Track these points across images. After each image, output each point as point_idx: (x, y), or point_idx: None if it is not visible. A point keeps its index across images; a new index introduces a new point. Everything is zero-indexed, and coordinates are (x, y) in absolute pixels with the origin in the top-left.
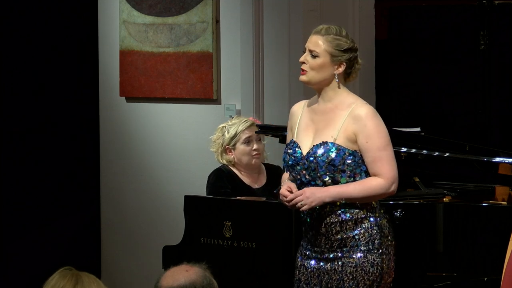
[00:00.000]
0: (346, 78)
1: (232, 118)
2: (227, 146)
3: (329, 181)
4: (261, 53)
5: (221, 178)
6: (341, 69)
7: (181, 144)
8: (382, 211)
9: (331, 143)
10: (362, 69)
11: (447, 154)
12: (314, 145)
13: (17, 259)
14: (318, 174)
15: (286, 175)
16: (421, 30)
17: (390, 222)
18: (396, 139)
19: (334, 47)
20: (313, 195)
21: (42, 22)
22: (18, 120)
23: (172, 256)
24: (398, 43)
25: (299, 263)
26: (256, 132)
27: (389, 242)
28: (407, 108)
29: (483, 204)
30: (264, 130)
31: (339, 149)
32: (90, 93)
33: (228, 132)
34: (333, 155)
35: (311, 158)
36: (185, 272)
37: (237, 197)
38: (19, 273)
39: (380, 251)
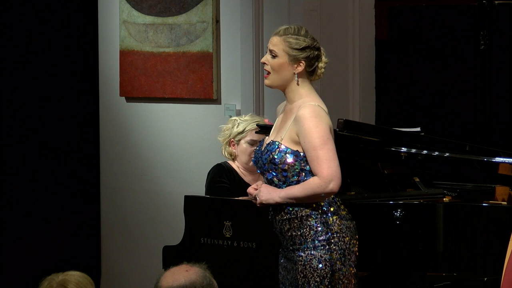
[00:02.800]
0: (309, 78)
1: (245, 115)
2: (231, 139)
3: (275, 179)
4: (261, 53)
5: (220, 173)
6: (300, 68)
7: (181, 144)
8: (332, 208)
9: (277, 142)
10: (362, 69)
11: (447, 154)
12: (266, 144)
13: (17, 259)
14: (265, 172)
15: None
16: (421, 30)
17: (344, 219)
18: (396, 139)
19: (290, 46)
20: (266, 192)
21: (42, 22)
22: (18, 120)
23: (172, 256)
24: (398, 43)
25: (279, 262)
26: (256, 132)
27: (338, 238)
28: (407, 108)
29: (483, 204)
30: (264, 130)
31: (280, 148)
32: (90, 93)
33: (237, 127)
34: (274, 154)
35: (260, 157)
36: (185, 272)
37: (237, 197)
38: (19, 273)
39: (328, 247)
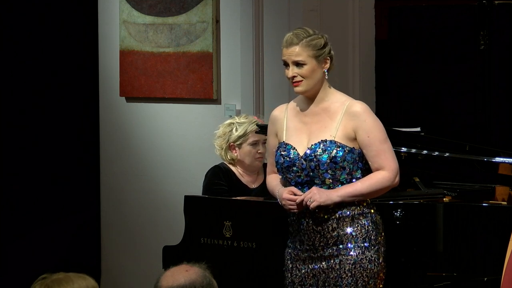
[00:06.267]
0: (328, 71)
1: (238, 116)
2: (232, 144)
3: (330, 179)
4: (261, 53)
5: (218, 175)
6: (327, 65)
7: (181, 144)
8: (375, 207)
9: (330, 141)
10: (362, 69)
11: (447, 154)
12: (313, 144)
13: (17, 259)
14: (319, 173)
15: (273, 180)
16: (421, 30)
17: (382, 219)
18: (396, 139)
19: (313, 49)
20: (322, 194)
21: (42, 22)
22: (18, 120)
23: (172, 256)
24: (398, 43)
25: (290, 266)
26: (256, 132)
27: (382, 238)
28: (407, 108)
29: (483, 204)
30: (264, 130)
31: (339, 146)
32: (90, 93)
33: (236, 130)
34: (334, 152)
35: (311, 157)
36: (185, 272)
37: (237, 197)
38: (19, 273)
39: (377, 247)
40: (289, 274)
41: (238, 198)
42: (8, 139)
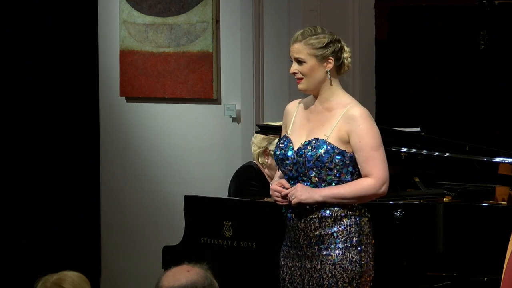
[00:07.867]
0: (338, 72)
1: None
2: (268, 151)
3: (316, 178)
4: (261, 53)
5: (252, 175)
6: (330, 65)
7: (181, 144)
8: (363, 210)
9: (322, 140)
10: (362, 69)
11: (447, 154)
12: (305, 141)
13: (17, 259)
14: (305, 170)
15: (276, 175)
16: (421, 30)
17: (371, 221)
18: (396, 139)
19: (314, 47)
20: (304, 191)
21: (42, 22)
22: (18, 120)
23: (172, 256)
24: (398, 43)
25: (282, 263)
26: (256, 132)
27: (368, 240)
28: (407, 108)
29: (483, 204)
30: (264, 130)
31: (329, 146)
32: (90, 93)
33: None
34: (322, 151)
35: (301, 153)
36: (186, 272)
37: (238, 198)
38: (19, 273)
39: (359, 248)
40: (281, 271)
41: (238, 198)
42: (8, 139)
